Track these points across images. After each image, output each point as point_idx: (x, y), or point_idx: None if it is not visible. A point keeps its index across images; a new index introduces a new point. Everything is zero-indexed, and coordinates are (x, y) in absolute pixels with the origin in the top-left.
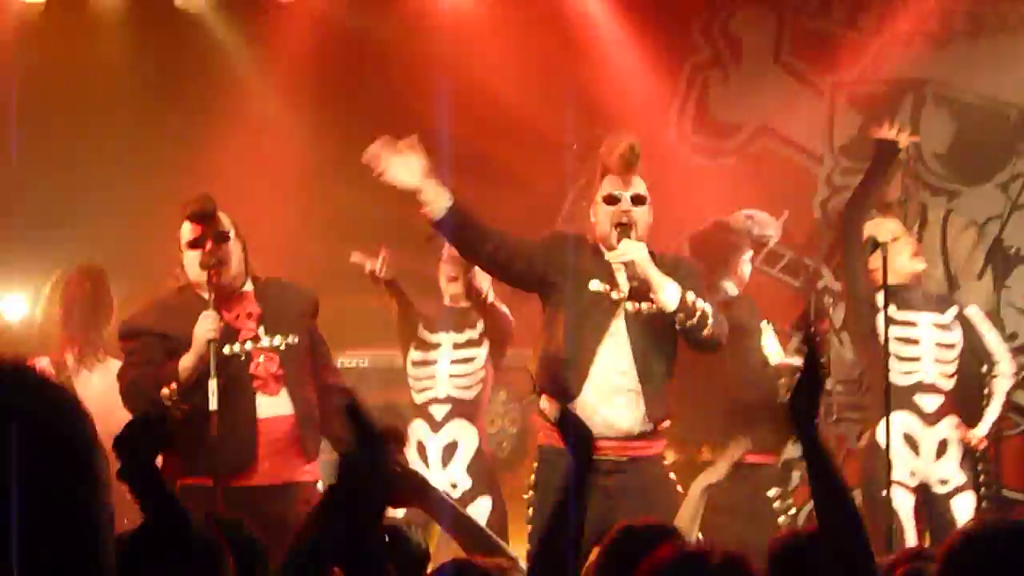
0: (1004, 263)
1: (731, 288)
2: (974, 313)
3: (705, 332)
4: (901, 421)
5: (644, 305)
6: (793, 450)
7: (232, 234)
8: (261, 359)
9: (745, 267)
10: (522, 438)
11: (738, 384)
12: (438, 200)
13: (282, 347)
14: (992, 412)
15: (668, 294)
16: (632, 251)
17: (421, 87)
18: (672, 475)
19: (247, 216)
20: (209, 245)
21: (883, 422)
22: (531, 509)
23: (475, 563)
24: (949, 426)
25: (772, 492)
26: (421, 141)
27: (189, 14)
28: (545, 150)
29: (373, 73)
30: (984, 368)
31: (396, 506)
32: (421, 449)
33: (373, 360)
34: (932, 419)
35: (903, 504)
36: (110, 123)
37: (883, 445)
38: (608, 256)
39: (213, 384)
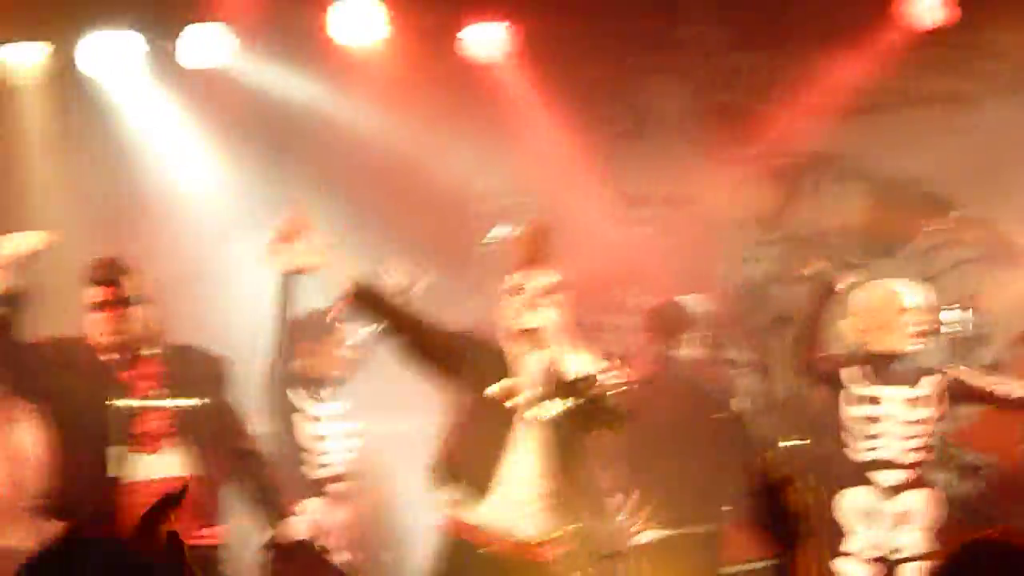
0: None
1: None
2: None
3: (610, 409)
4: (858, 496)
5: (547, 409)
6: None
7: (137, 298)
8: (149, 418)
9: (694, 347)
10: None
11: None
12: (348, 272)
13: (182, 408)
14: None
15: (577, 360)
16: (542, 318)
17: (343, 153)
18: None
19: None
20: (111, 310)
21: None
22: None
23: None
24: (914, 499)
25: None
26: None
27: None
28: (458, 217)
29: (295, 137)
30: None
31: None
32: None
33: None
34: (890, 493)
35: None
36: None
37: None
38: (518, 322)
39: (113, 451)
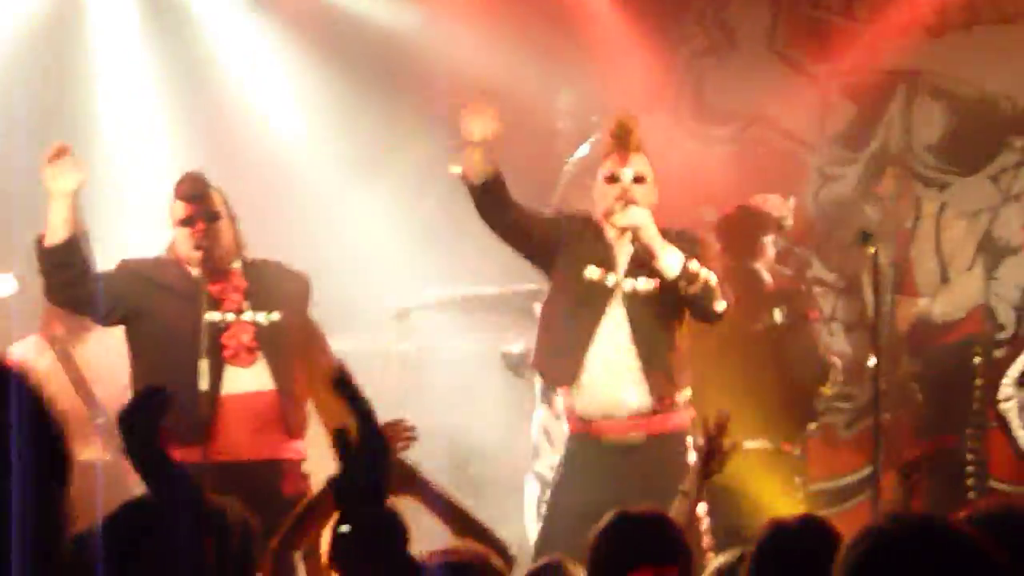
0: (994, 255)
1: (763, 272)
2: None
3: (709, 302)
4: None
5: (642, 285)
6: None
7: (223, 213)
8: (238, 331)
9: (770, 250)
10: None
11: (792, 372)
12: (482, 165)
13: (265, 323)
14: None
15: (670, 260)
16: (635, 217)
17: (419, 72)
18: (689, 452)
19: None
20: (200, 224)
21: None
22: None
23: (460, 552)
24: None
25: (798, 480)
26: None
27: None
28: (539, 135)
29: (370, 60)
30: None
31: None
32: None
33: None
34: None
35: None
36: None
37: None
38: (612, 220)
39: (204, 364)
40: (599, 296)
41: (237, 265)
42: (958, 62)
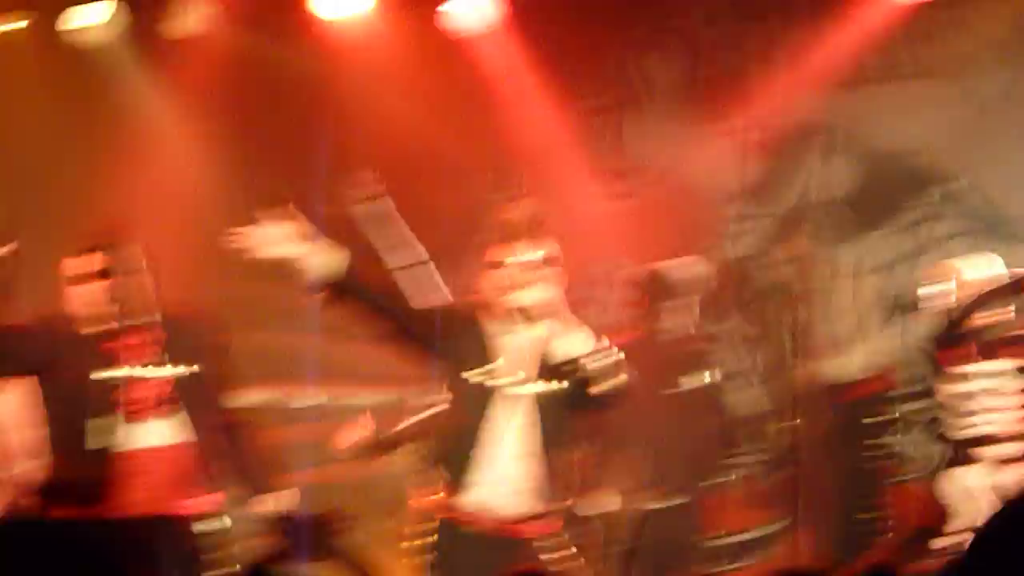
0: (909, 307)
1: (671, 333)
2: None
3: (615, 379)
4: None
5: (538, 386)
6: None
7: (123, 268)
8: (146, 386)
9: (685, 312)
10: None
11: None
12: (326, 262)
13: (182, 375)
14: None
15: (580, 336)
16: (543, 293)
17: (330, 117)
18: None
19: (154, 246)
20: (99, 280)
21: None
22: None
23: None
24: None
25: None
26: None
27: (88, 48)
28: (456, 183)
29: (282, 103)
30: None
31: None
32: None
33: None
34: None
35: None
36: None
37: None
38: (511, 302)
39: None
40: (490, 399)
41: (146, 320)
42: (859, 117)
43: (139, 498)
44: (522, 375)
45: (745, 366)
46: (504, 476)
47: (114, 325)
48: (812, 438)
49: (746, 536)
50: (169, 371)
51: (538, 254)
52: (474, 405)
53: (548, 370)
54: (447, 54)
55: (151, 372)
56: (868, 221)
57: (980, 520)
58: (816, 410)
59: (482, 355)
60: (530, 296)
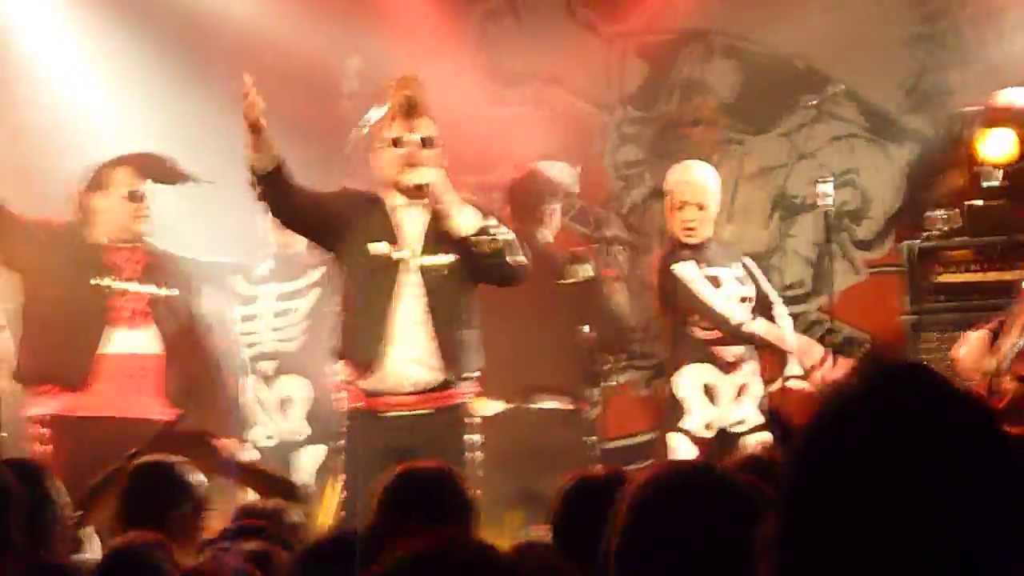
0: (788, 211)
1: (546, 236)
2: (751, 264)
3: (508, 260)
4: (699, 372)
5: (437, 259)
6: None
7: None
8: (131, 298)
9: (556, 217)
10: None
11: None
12: (266, 153)
13: (160, 295)
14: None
15: (466, 218)
16: (427, 176)
17: (201, 34)
18: (470, 421)
19: None
20: (144, 202)
21: (677, 373)
22: (343, 475)
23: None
24: (748, 372)
25: (592, 439)
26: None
27: None
28: (327, 98)
29: (155, 20)
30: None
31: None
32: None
33: None
34: (730, 367)
35: (685, 451)
36: None
37: (677, 395)
38: (401, 181)
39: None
40: (391, 271)
41: (136, 243)
42: (750, 21)
43: (113, 397)
44: (419, 248)
45: (624, 273)
46: (412, 350)
47: (114, 240)
48: None
49: (630, 442)
50: (152, 289)
51: (415, 136)
52: (384, 280)
53: (452, 243)
54: None
55: (135, 287)
56: (750, 127)
57: None
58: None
59: (385, 231)
60: (419, 175)
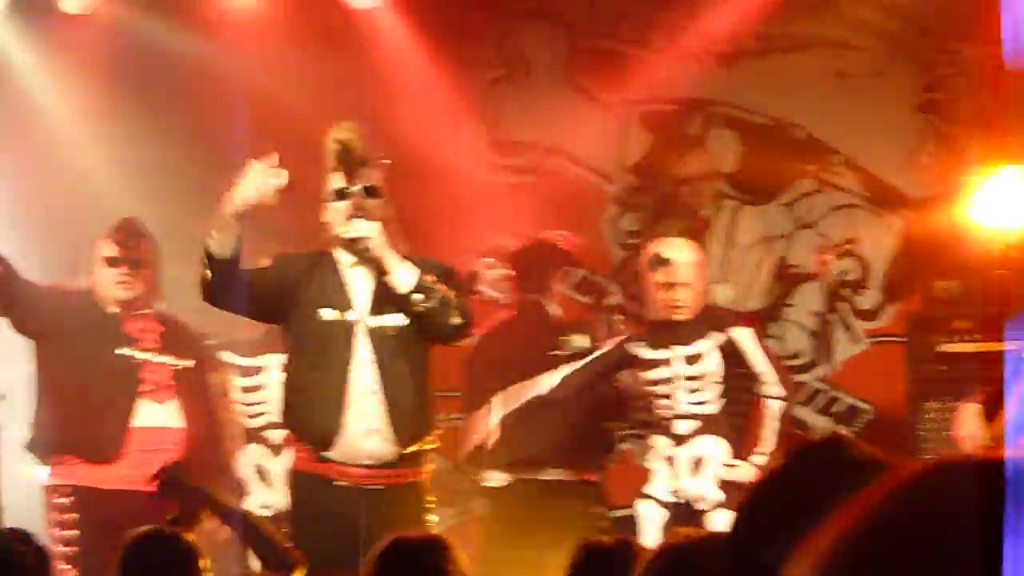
0: (788, 281)
1: (551, 305)
2: (741, 337)
3: (445, 316)
4: (659, 443)
5: (387, 321)
6: None
7: (150, 260)
8: (155, 369)
9: (560, 286)
10: None
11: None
12: (233, 236)
13: (180, 366)
14: (767, 435)
15: (402, 274)
16: (362, 230)
17: (214, 98)
18: (426, 501)
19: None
20: (126, 267)
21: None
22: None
23: None
24: (705, 444)
25: (600, 509)
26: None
27: None
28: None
29: (167, 83)
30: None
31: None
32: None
33: None
34: (685, 440)
35: (651, 517)
36: None
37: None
38: (338, 234)
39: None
40: (343, 337)
41: (151, 311)
42: (751, 91)
43: (140, 471)
44: (367, 309)
45: None
46: (368, 418)
47: (132, 310)
48: None
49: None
50: (172, 360)
51: (356, 187)
52: (335, 348)
53: (394, 301)
54: (339, 27)
55: (158, 358)
56: (750, 196)
57: None
58: None
59: (336, 293)
60: (354, 227)
